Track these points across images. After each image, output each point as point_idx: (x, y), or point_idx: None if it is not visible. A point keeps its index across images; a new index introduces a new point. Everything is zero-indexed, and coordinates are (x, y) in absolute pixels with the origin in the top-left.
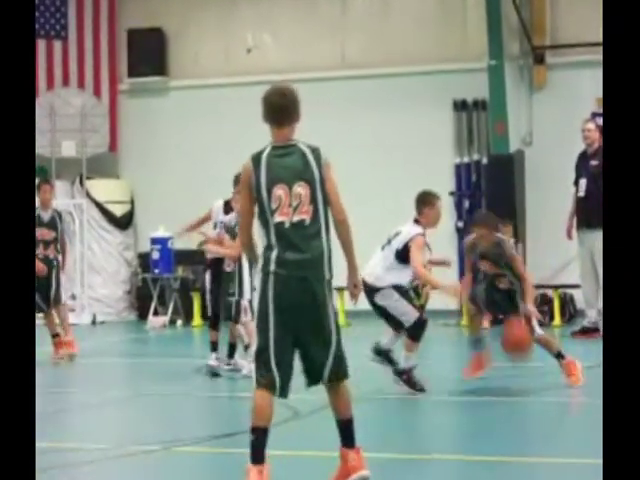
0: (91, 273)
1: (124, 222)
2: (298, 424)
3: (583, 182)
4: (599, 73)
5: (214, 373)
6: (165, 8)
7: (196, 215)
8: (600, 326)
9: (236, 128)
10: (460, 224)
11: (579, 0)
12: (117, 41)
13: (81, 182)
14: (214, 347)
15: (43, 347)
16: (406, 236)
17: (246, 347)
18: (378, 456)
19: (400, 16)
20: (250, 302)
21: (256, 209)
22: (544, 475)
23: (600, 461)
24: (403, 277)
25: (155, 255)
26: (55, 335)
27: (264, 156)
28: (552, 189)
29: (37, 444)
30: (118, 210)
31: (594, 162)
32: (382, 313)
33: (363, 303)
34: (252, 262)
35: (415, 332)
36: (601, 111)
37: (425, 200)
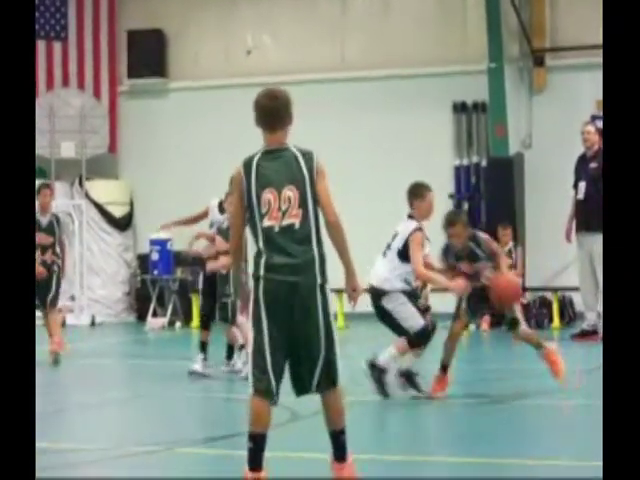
0: (90, 274)
1: (123, 223)
2: (297, 426)
3: (582, 185)
4: (599, 76)
5: (200, 374)
6: (165, 9)
7: (208, 206)
8: (599, 329)
9: (236, 129)
10: None
11: (579, 2)
12: (117, 42)
13: (80, 183)
14: (203, 347)
15: (43, 346)
16: (405, 233)
17: (241, 347)
18: (378, 458)
19: (400, 18)
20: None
21: (247, 214)
22: (544, 477)
23: (600, 463)
24: (410, 277)
25: (154, 256)
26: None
27: (254, 161)
28: (551, 192)
29: (37, 444)
30: (117, 211)
31: (594, 165)
32: (386, 318)
33: (362, 306)
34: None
35: (416, 341)
36: (601, 114)
37: (415, 192)
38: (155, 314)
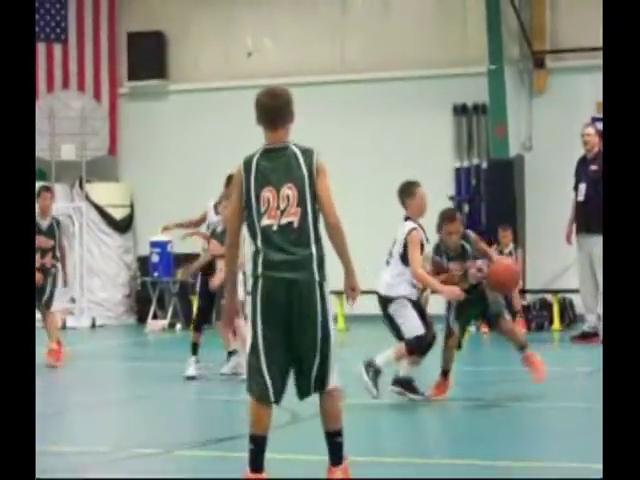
0: (90, 276)
1: (124, 225)
2: (297, 428)
3: (583, 187)
4: (599, 78)
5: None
6: (165, 11)
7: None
8: (600, 331)
9: (236, 131)
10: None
11: (579, 4)
12: (117, 44)
13: (81, 185)
14: (194, 350)
15: (43, 348)
16: (402, 236)
17: (229, 353)
18: (377, 460)
19: (400, 20)
20: (242, 305)
21: (245, 213)
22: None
23: (600, 466)
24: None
25: (154, 258)
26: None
27: (254, 159)
28: (552, 194)
29: (36, 446)
30: (118, 213)
31: (594, 167)
32: (391, 324)
33: (362, 307)
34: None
35: (411, 347)
36: (601, 116)
37: (404, 191)
38: (155, 316)
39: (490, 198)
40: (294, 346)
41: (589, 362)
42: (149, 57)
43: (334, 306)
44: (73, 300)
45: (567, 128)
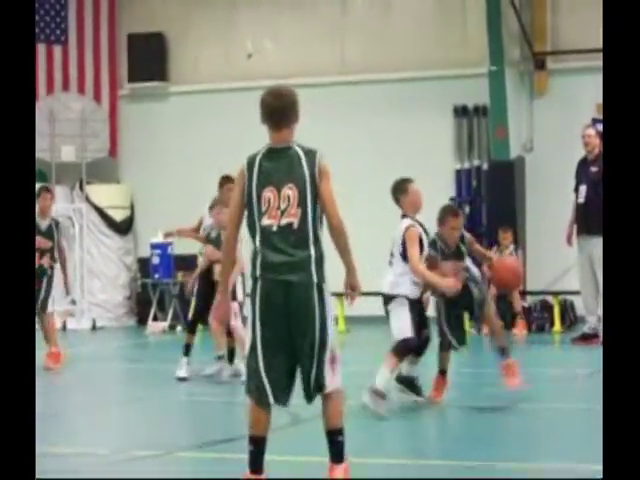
0: (91, 278)
1: (124, 227)
2: (297, 429)
3: (583, 188)
4: (600, 79)
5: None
6: (165, 13)
7: (195, 219)
8: (600, 332)
9: (237, 133)
10: None
11: (580, 6)
12: (117, 46)
13: (81, 187)
14: (187, 351)
15: (42, 350)
16: (400, 235)
17: (219, 357)
18: (377, 461)
19: (400, 22)
20: (241, 306)
21: (246, 212)
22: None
23: (600, 467)
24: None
25: (155, 260)
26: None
27: (257, 159)
28: (552, 195)
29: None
30: (118, 215)
31: (594, 168)
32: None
33: (363, 309)
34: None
35: (398, 348)
36: (601, 117)
37: (397, 189)
38: (156, 318)
39: (491, 199)
40: (293, 348)
41: (589, 364)
42: (149, 59)
43: (335, 307)
44: (73, 302)
45: (568, 129)
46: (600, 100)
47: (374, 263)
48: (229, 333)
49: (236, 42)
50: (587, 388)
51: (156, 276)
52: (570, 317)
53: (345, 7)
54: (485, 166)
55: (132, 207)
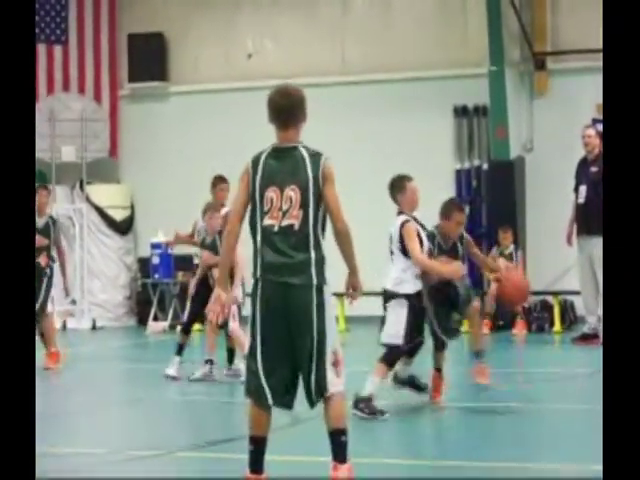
0: (91, 278)
1: (124, 227)
2: (297, 430)
3: (583, 188)
4: (600, 79)
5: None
6: (166, 13)
7: (195, 220)
8: (600, 332)
9: (237, 133)
10: None
11: (580, 6)
12: (117, 46)
13: (81, 187)
14: (180, 350)
15: (41, 351)
16: (396, 231)
17: (208, 361)
18: (377, 462)
19: (400, 22)
20: (239, 307)
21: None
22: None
23: (600, 467)
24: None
25: (155, 260)
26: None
27: (262, 158)
28: (552, 195)
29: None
30: (118, 215)
31: (594, 169)
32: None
33: (364, 309)
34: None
35: (387, 357)
36: (601, 117)
37: (394, 186)
38: (156, 318)
39: (491, 199)
40: (293, 351)
41: (589, 363)
42: (149, 59)
43: (335, 308)
44: (73, 302)
45: (568, 130)
46: (600, 100)
47: (374, 263)
48: (228, 334)
49: (236, 42)
50: (587, 388)
51: (156, 276)
52: (570, 317)
53: (345, 7)
54: (485, 166)
55: (132, 207)
